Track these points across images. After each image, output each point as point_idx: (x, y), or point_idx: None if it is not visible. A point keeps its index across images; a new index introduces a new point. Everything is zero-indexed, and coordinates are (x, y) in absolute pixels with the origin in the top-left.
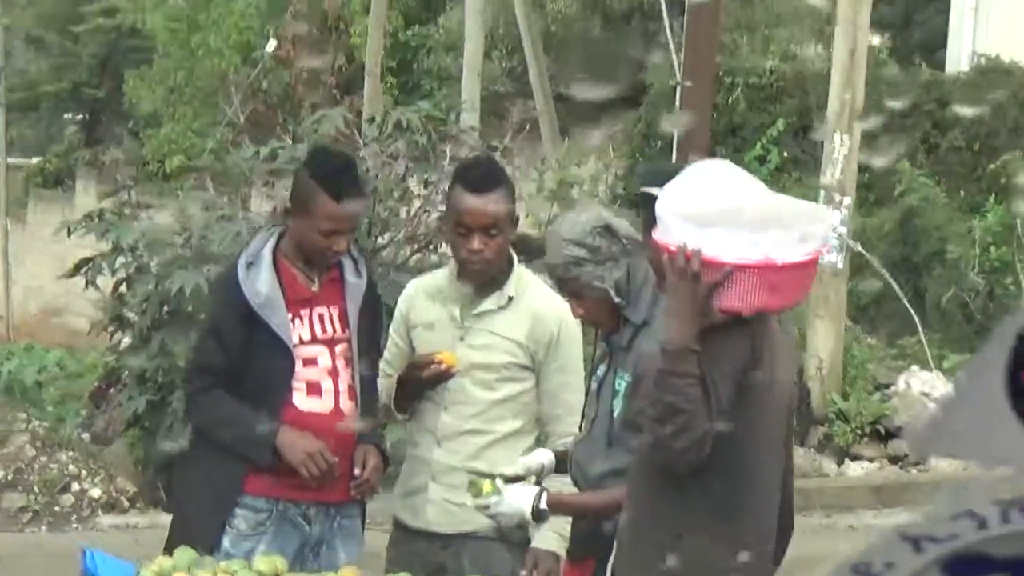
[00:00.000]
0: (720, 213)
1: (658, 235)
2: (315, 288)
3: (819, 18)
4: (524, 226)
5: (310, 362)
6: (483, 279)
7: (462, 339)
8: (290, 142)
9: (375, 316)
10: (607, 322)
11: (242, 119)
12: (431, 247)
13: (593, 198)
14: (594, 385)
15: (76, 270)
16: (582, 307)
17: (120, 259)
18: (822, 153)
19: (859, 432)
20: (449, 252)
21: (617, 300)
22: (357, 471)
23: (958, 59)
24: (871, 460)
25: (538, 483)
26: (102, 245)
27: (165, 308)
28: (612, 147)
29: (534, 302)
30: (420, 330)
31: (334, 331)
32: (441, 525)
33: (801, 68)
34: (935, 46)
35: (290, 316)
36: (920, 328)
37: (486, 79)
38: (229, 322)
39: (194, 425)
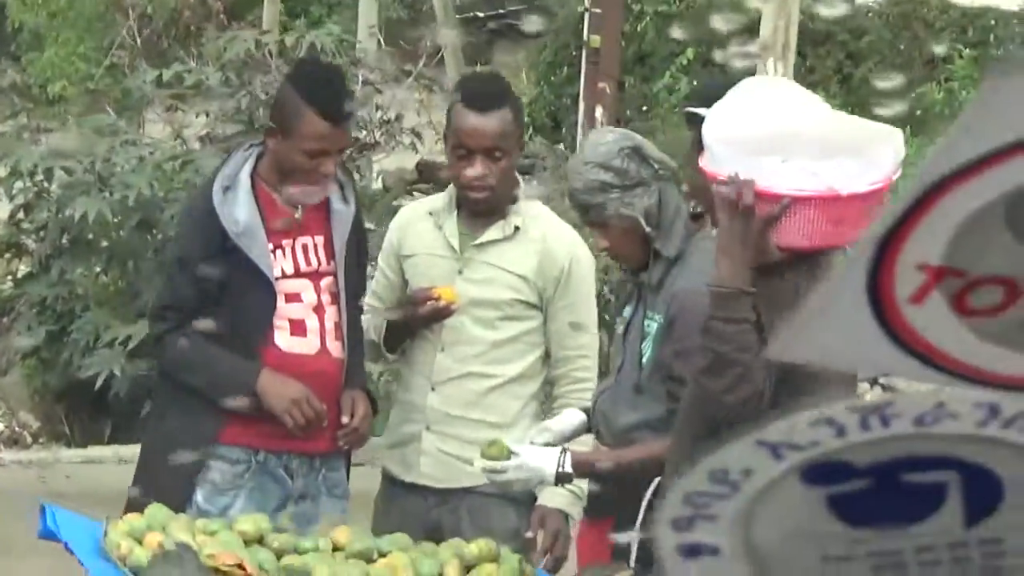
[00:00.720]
0: (776, 138)
1: (705, 163)
2: (298, 216)
3: None
4: (435, 154)
5: (293, 298)
6: (486, 206)
7: (461, 272)
8: (194, 64)
9: (362, 246)
10: (634, 256)
11: (139, 42)
12: None
13: None
14: (620, 328)
15: None
16: (607, 239)
17: (19, 184)
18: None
19: None
20: (358, 179)
21: (647, 231)
22: (345, 419)
23: None
24: None
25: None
26: None
27: (66, 235)
28: (524, 73)
29: (543, 233)
30: (414, 261)
31: (319, 263)
32: (436, 479)
33: None
34: None
35: (271, 247)
36: None
37: (381, 6)
38: (203, 253)
39: (162, 368)
